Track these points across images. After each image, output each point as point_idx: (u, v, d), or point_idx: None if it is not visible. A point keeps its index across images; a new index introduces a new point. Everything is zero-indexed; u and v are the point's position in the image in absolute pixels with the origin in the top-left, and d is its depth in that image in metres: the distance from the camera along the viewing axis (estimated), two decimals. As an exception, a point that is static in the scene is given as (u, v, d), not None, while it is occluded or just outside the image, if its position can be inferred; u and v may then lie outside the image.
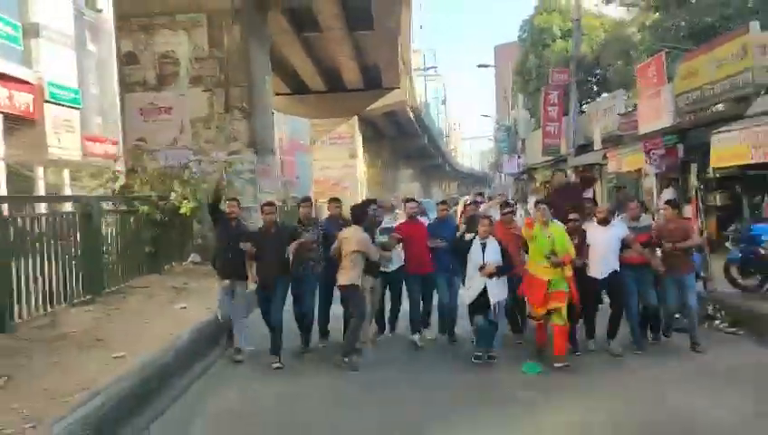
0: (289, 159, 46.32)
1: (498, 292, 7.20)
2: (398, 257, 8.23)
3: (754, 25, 13.34)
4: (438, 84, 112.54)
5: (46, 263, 8.20)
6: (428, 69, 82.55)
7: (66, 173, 30.24)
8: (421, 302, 8.36)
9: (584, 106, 27.07)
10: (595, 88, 30.67)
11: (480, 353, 7.24)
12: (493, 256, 7.18)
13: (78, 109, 29.94)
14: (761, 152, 11.60)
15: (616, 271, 7.50)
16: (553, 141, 26.76)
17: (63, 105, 28.39)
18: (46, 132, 27.13)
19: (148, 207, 11.32)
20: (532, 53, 34.51)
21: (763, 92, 13.20)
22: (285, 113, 39.16)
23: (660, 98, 17.33)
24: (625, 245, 7.57)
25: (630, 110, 20.37)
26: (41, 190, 27.18)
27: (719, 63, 14.23)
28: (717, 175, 15.16)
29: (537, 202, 8.12)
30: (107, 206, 10.91)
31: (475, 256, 7.25)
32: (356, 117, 40.09)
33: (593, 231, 7.66)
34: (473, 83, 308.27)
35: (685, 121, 16.08)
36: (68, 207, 10.01)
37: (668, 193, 15.57)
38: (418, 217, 8.73)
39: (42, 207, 9.69)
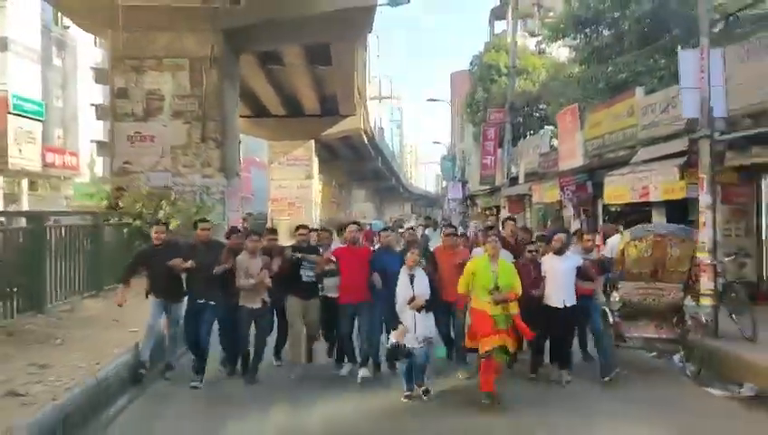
0: (245, 175, 47.45)
1: (427, 326, 6.90)
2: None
3: (640, 90, 16.06)
4: (394, 108, 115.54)
5: (67, 263, 10.48)
6: (384, 98, 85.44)
7: (25, 183, 31.72)
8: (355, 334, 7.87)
9: (527, 139, 28.99)
10: (539, 122, 32.60)
11: (410, 393, 6.90)
12: (421, 288, 6.92)
13: (41, 121, 31.19)
14: (636, 194, 14.52)
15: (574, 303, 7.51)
16: (489, 172, 29.01)
17: (27, 117, 29.70)
18: (8, 143, 28.62)
19: (140, 221, 13.52)
20: (481, 87, 36.31)
21: (644, 145, 16.00)
22: (246, 134, 40.67)
23: (574, 141, 20.06)
24: (580, 275, 7.60)
25: (550, 150, 23.28)
26: (-2, 199, 28.73)
27: (615, 118, 17.04)
28: (618, 209, 18.08)
29: (489, 233, 8.03)
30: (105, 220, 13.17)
31: (403, 289, 6.89)
32: (313, 140, 41.84)
33: (550, 261, 7.64)
34: (430, 107, 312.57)
35: (593, 162, 18.85)
36: (77, 220, 12.31)
37: (577, 223, 18.41)
38: (361, 242, 8.37)
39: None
